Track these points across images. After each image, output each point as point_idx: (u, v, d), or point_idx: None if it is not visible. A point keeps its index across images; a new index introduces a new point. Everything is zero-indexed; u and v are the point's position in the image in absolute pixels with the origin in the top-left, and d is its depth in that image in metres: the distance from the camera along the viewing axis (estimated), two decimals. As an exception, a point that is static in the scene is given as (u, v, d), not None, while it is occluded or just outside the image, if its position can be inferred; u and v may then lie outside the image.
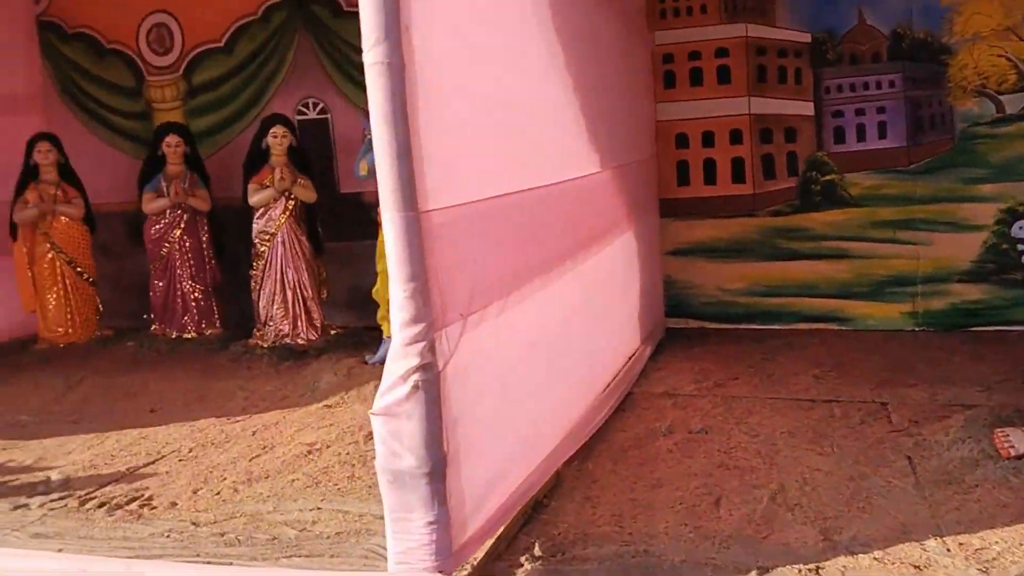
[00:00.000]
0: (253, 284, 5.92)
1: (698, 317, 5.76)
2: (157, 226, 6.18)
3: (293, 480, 3.45)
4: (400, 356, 2.28)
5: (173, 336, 6.23)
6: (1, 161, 6.34)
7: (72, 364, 5.71)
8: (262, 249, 5.83)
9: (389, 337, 4.92)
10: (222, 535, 2.95)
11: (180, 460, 3.82)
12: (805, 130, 5.44)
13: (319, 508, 3.15)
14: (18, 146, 6.46)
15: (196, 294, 6.26)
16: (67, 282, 6.17)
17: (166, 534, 2.99)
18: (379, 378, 4.62)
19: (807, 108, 5.41)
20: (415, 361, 2.27)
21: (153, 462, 3.80)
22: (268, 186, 5.73)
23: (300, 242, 5.86)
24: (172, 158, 6.12)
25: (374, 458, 3.63)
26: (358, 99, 6.15)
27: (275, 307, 5.83)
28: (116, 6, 6.61)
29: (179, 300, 6.27)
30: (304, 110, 6.33)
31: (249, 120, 6.45)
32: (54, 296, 6.14)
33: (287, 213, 5.80)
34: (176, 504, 3.28)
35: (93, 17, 6.69)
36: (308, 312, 5.87)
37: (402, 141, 2.22)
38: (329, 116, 6.28)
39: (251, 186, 5.75)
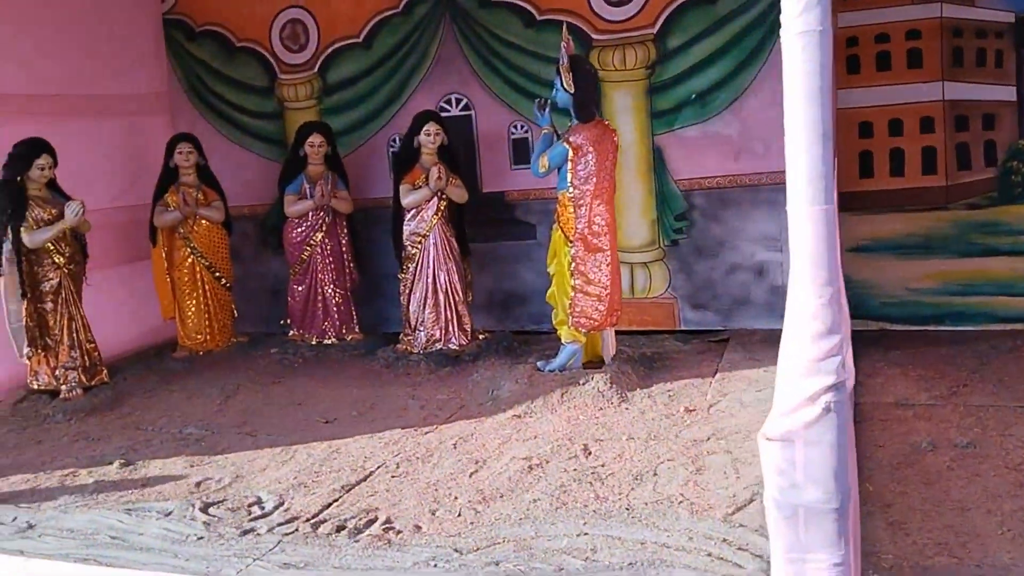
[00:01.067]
0: (402, 288, 5.65)
1: (878, 318, 5.38)
2: (299, 229, 5.95)
3: (535, 500, 3.14)
4: (810, 373, 1.96)
5: (313, 342, 5.99)
6: (129, 163, 6.20)
7: (220, 372, 5.49)
8: (413, 251, 5.56)
9: (568, 343, 4.62)
10: (496, 564, 2.65)
11: (393, 477, 3.53)
12: (1006, 117, 5.02)
13: (585, 534, 2.83)
14: (147, 148, 6.30)
15: (337, 298, 6.01)
16: (206, 287, 5.95)
17: (431, 562, 2.70)
18: (563, 386, 4.45)
19: (1008, 93, 5.00)
20: (829, 380, 1.95)
21: (365, 479, 3.52)
22: (420, 186, 5.46)
23: (450, 243, 5.59)
24: (314, 158, 5.88)
25: (608, 475, 3.39)
26: (505, 94, 5.88)
27: (427, 311, 5.55)
28: (247, 3, 6.41)
29: (320, 305, 6.02)
30: (446, 106, 6.05)
31: (387, 118, 6.21)
32: (194, 302, 5.93)
33: (439, 214, 5.53)
34: (420, 528, 2.99)
35: (222, 14, 6.50)
36: (459, 316, 5.58)
37: (827, 122, 1.90)
38: (472, 112, 5.99)
39: (403, 186, 5.48)
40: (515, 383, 4.51)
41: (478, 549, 2.77)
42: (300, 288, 6.05)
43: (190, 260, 5.90)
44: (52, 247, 4.97)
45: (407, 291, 5.62)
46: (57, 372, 5.04)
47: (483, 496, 3.23)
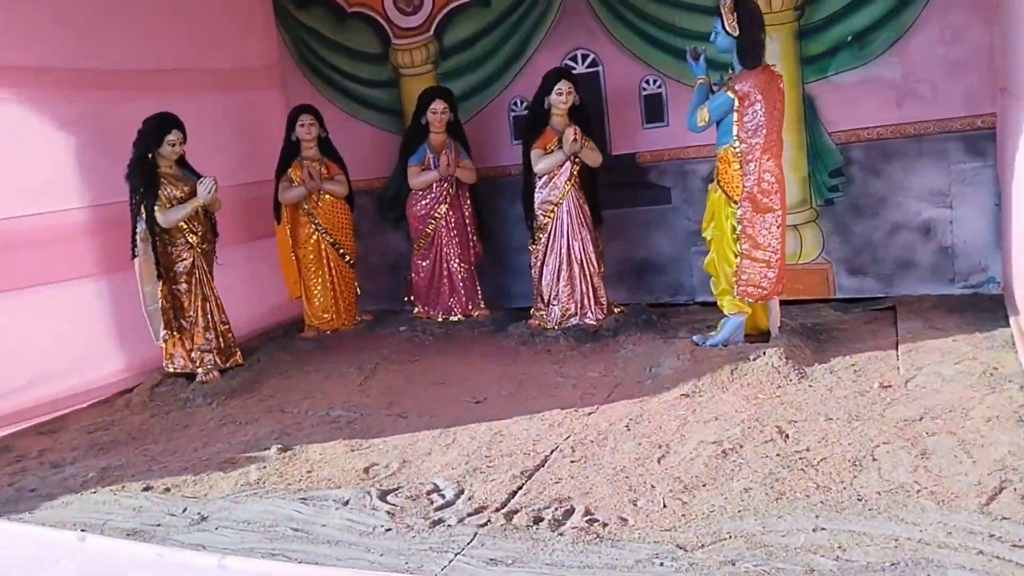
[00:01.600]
0: (533, 260, 5.37)
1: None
2: (423, 201, 5.71)
3: (746, 490, 2.83)
4: None
5: (440, 319, 5.78)
6: (244, 139, 6.05)
7: (351, 352, 5.32)
8: (545, 221, 5.26)
9: (732, 314, 4.27)
10: (732, 563, 2.35)
11: (572, 462, 3.26)
12: None
13: (823, 528, 2.51)
14: (261, 123, 6.15)
15: (462, 273, 5.77)
16: (331, 265, 5.78)
17: (656, 560, 2.42)
18: (731, 362, 4.10)
19: None
20: None
21: (543, 464, 3.27)
22: (553, 150, 5.14)
23: (584, 211, 5.27)
24: (437, 126, 5.62)
25: (820, 461, 3.04)
26: (635, 46, 5.51)
27: (561, 284, 5.26)
28: (358, -33, 6.17)
29: (445, 280, 5.80)
30: (572, 63, 5.70)
31: (508, 80, 5.90)
32: (320, 281, 5.78)
33: (571, 180, 5.21)
34: (626, 520, 2.71)
35: (333, -20, 6.28)
36: (595, 289, 5.27)
37: None
38: (600, 69, 5.64)
39: (534, 151, 5.17)
40: (676, 359, 4.20)
41: (703, 546, 2.47)
42: (424, 263, 5.83)
43: (315, 237, 5.73)
44: (185, 226, 4.84)
45: (539, 263, 5.34)
46: (193, 354, 4.94)
47: (683, 485, 2.93)
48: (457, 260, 5.75)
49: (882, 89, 4.95)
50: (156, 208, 4.73)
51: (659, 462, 3.17)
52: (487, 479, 3.18)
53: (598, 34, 5.60)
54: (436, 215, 5.70)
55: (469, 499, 3.00)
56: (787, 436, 3.26)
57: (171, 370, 4.97)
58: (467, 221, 5.78)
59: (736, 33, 4.03)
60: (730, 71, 4.24)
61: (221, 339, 5.03)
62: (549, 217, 5.24)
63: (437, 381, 4.61)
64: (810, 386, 3.80)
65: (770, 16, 5.12)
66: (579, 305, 5.27)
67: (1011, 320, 4.19)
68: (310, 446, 3.78)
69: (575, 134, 5.00)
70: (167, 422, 4.41)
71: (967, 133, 4.87)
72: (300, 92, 6.42)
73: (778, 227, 4.14)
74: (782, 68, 5.12)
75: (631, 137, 5.61)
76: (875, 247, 5.17)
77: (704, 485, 2.92)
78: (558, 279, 5.27)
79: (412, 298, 6.02)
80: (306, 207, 5.69)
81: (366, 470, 3.41)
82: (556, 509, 2.83)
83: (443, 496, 3.06)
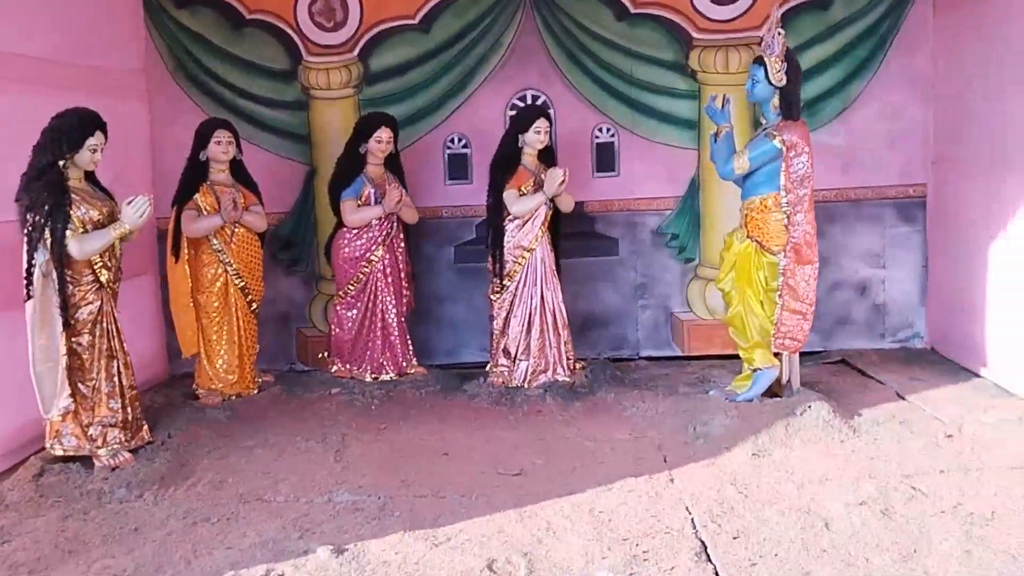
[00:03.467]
0: (497, 310, 4.83)
1: None
2: (359, 241, 4.91)
3: (967, 552, 2.61)
4: None
5: (369, 378, 4.95)
6: (108, 155, 4.77)
7: (286, 421, 4.31)
8: (514, 268, 4.77)
9: (766, 368, 4.13)
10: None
11: (735, 538, 2.83)
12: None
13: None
14: (120, 137, 4.90)
15: (395, 326, 5.02)
16: (238, 315, 4.71)
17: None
18: (780, 418, 3.92)
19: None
20: None
21: (704, 546, 2.78)
22: (526, 192, 4.70)
23: (552, 259, 4.87)
24: (378, 157, 4.90)
25: (992, 515, 2.91)
26: (591, 94, 5.30)
27: (533, 337, 4.77)
28: (263, -34, 5.29)
29: (379, 333, 5.00)
30: (519, 103, 5.32)
31: (445, 115, 5.35)
32: (227, 333, 4.67)
33: (544, 225, 4.80)
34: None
35: (227, -23, 5.30)
36: (565, 343, 4.86)
37: None
38: (551, 111, 5.30)
39: (509, 192, 4.68)
40: (725, 417, 3.92)
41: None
42: (351, 313, 4.99)
43: (222, 280, 4.64)
44: (98, 259, 3.64)
45: (504, 314, 4.81)
46: (92, 430, 3.68)
47: (900, 554, 2.64)
48: (394, 311, 5.00)
49: (829, 155, 5.20)
50: (69, 233, 3.49)
51: (827, 528, 2.86)
52: (659, 565, 2.63)
53: (551, 77, 5.30)
54: (372, 258, 4.93)
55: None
56: (923, 492, 3.13)
57: (58, 452, 3.66)
58: (401, 266, 5.07)
59: (783, 83, 3.98)
60: (763, 121, 4.18)
61: (129, 409, 3.80)
62: (519, 263, 4.76)
63: (439, 452, 3.87)
64: (875, 440, 3.73)
65: (728, 76, 5.24)
66: (548, 361, 4.81)
67: (983, 371, 4.53)
68: (365, 543, 2.91)
69: (564, 175, 4.62)
70: (96, 525, 3.18)
71: (900, 200, 5.29)
72: (174, 106, 5.30)
73: (815, 279, 4.09)
74: (737, 130, 5.22)
75: (581, 185, 5.30)
76: (817, 303, 5.35)
77: (915, 552, 2.66)
78: (528, 331, 4.78)
79: (327, 355, 5.12)
80: (216, 243, 4.60)
81: (490, 568, 2.67)
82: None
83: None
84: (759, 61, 4.05)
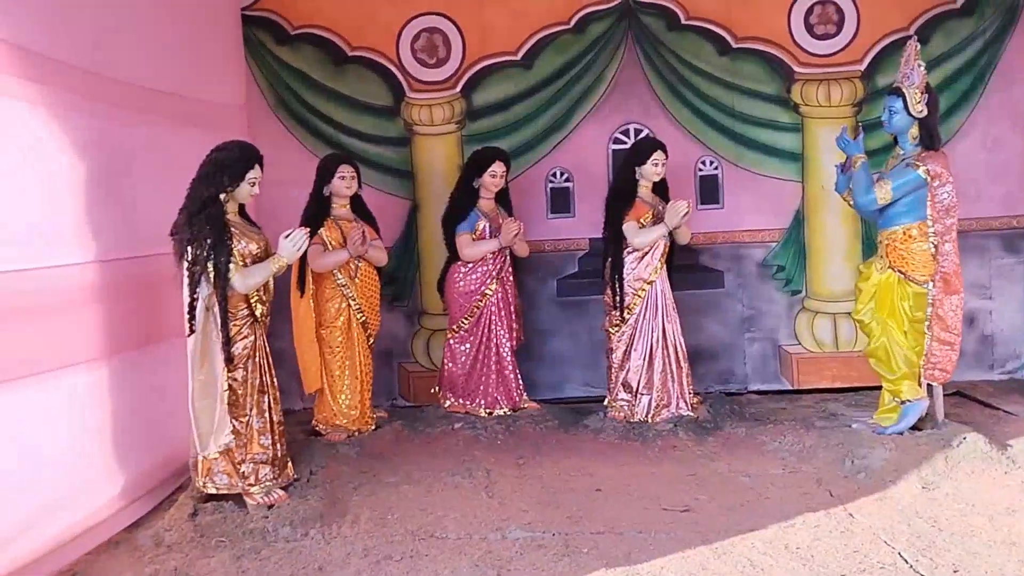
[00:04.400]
0: (616, 343, 4.78)
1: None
2: (472, 276, 4.88)
3: None
4: None
5: (484, 413, 4.87)
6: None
7: (417, 457, 4.23)
8: (634, 301, 4.74)
9: (916, 400, 4.09)
10: None
11: (955, 572, 2.76)
12: None
13: None
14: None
15: (509, 360, 4.97)
16: (359, 350, 4.65)
17: None
18: (937, 450, 3.86)
19: None
20: None
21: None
22: (645, 224, 4.69)
23: (670, 290, 4.84)
24: (492, 191, 4.90)
25: None
26: (695, 127, 5.32)
27: (656, 371, 4.72)
28: (366, 3, 5.31)
29: (493, 368, 4.93)
30: (622, 137, 5.34)
31: (547, 149, 5.37)
32: (350, 368, 4.60)
33: (663, 257, 4.78)
34: None
35: (329, 15, 5.31)
36: (686, 377, 4.81)
37: None
38: (657, 145, 5.33)
39: (629, 224, 4.67)
40: (884, 450, 3.86)
41: None
42: (464, 347, 4.94)
43: (345, 315, 4.59)
44: (254, 293, 3.58)
45: (623, 348, 4.76)
46: (244, 468, 3.59)
47: None
48: (508, 344, 4.95)
49: (932, 187, 5.22)
50: (232, 267, 3.44)
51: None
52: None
53: (654, 110, 5.32)
54: (487, 291, 4.89)
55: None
56: None
57: (211, 490, 3.56)
58: (511, 300, 5.03)
59: (923, 114, 4.00)
60: (899, 151, 4.20)
61: (278, 446, 3.72)
62: (639, 296, 4.73)
63: (590, 488, 3.79)
64: (1040, 471, 3.69)
65: (830, 109, 5.28)
66: (669, 395, 4.75)
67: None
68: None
69: (689, 205, 4.61)
70: (275, 565, 3.07)
71: (1004, 231, 5.30)
72: (273, 140, 5.25)
73: (961, 309, 4.08)
74: (841, 159, 5.25)
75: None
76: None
77: None
78: (650, 365, 4.73)
79: (439, 389, 5.05)
80: (340, 278, 4.55)
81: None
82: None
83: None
84: (896, 92, 4.08)
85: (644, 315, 4.74)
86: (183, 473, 3.85)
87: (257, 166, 3.59)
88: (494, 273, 4.89)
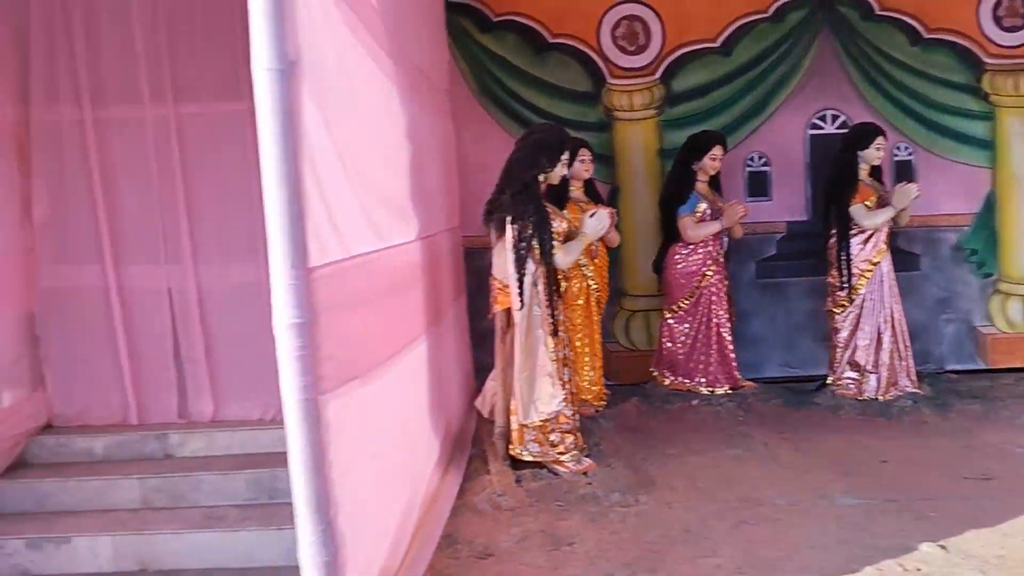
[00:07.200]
0: (840, 322, 4.88)
1: None
2: (693, 257, 4.96)
3: None
4: None
5: (705, 391, 4.95)
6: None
7: (667, 430, 4.34)
8: (860, 282, 4.85)
9: None
10: None
11: None
12: None
13: None
14: (444, 153, 4.93)
15: (729, 339, 5.06)
16: (595, 328, 4.75)
17: None
18: None
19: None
20: None
21: None
22: (871, 207, 4.80)
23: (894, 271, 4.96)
24: (708, 174, 5.00)
25: None
26: (890, 115, 5.42)
27: (884, 350, 4.82)
28: (570, -9, 5.40)
29: (713, 347, 5.01)
30: (819, 123, 5.46)
31: (744, 134, 5.45)
32: (589, 346, 4.69)
33: (887, 238, 4.90)
34: None
35: (531, 4, 5.39)
36: (911, 356, 4.92)
37: None
38: (851, 131, 5.44)
39: (857, 207, 4.75)
40: None
41: None
42: (683, 327, 5.03)
43: (585, 295, 4.67)
44: (560, 272, 3.67)
45: (851, 327, 4.86)
46: (553, 437, 3.67)
47: None
48: (727, 325, 5.05)
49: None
50: (556, 244, 3.53)
51: None
52: None
53: (850, 97, 5.42)
54: (707, 272, 4.98)
55: None
56: None
57: (525, 458, 3.64)
58: (726, 281, 5.13)
59: None
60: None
61: (576, 416, 3.81)
62: (865, 276, 4.84)
63: (874, 459, 3.89)
64: None
65: (1019, 99, 5.41)
66: (894, 373, 4.86)
67: None
68: (951, 541, 2.92)
69: (918, 188, 4.73)
70: (636, 526, 3.16)
71: None
72: (478, 126, 5.36)
73: None
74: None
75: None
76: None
77: None
78: (878, 344, 4.84)
79: (655, 368, 5.14)
80: (582, 259, 4.63)
81: None
82: None
83: None
84: None
85: (870, 296, 4.85)
86: (458, 443, 3.93)
87: (567, 151, 3.68)
88: (714, 255, 4.99)
